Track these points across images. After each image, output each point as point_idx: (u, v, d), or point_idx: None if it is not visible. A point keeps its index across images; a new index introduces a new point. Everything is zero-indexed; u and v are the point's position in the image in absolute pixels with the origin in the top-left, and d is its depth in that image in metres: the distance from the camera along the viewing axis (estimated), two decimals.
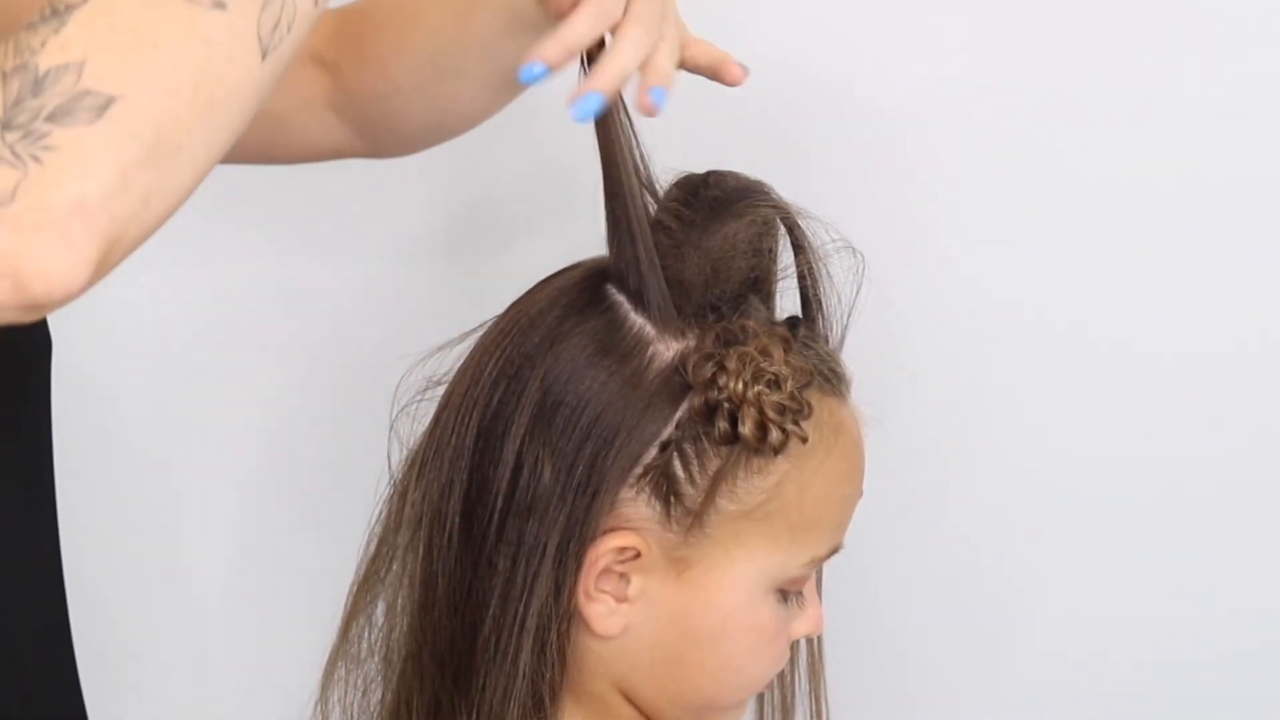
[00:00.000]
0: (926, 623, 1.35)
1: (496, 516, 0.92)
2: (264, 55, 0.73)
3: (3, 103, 0.67)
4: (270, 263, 1.34)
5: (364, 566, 1.00)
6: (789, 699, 1.07)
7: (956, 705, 1.38)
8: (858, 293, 0.99)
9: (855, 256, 0.98)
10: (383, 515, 0.99)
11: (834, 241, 0.98)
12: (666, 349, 0.92)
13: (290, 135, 1.05)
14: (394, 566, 0.99)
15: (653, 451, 0.91)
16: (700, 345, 0.92)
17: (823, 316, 0.99)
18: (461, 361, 0.96)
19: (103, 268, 0.70)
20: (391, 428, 1.00)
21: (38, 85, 0.68)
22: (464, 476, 0.93)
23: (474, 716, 0.93)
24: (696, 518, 0.92)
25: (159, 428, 1.36)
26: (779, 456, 0.92)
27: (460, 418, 0.93)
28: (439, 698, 0.95)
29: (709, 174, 0.96)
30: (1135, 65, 1.19)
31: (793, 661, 1.06)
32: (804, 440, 0.92)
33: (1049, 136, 1.21)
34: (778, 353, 0.92)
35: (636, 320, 0.92)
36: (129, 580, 1.39)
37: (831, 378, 0.96)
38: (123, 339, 1.35)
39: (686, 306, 0.93)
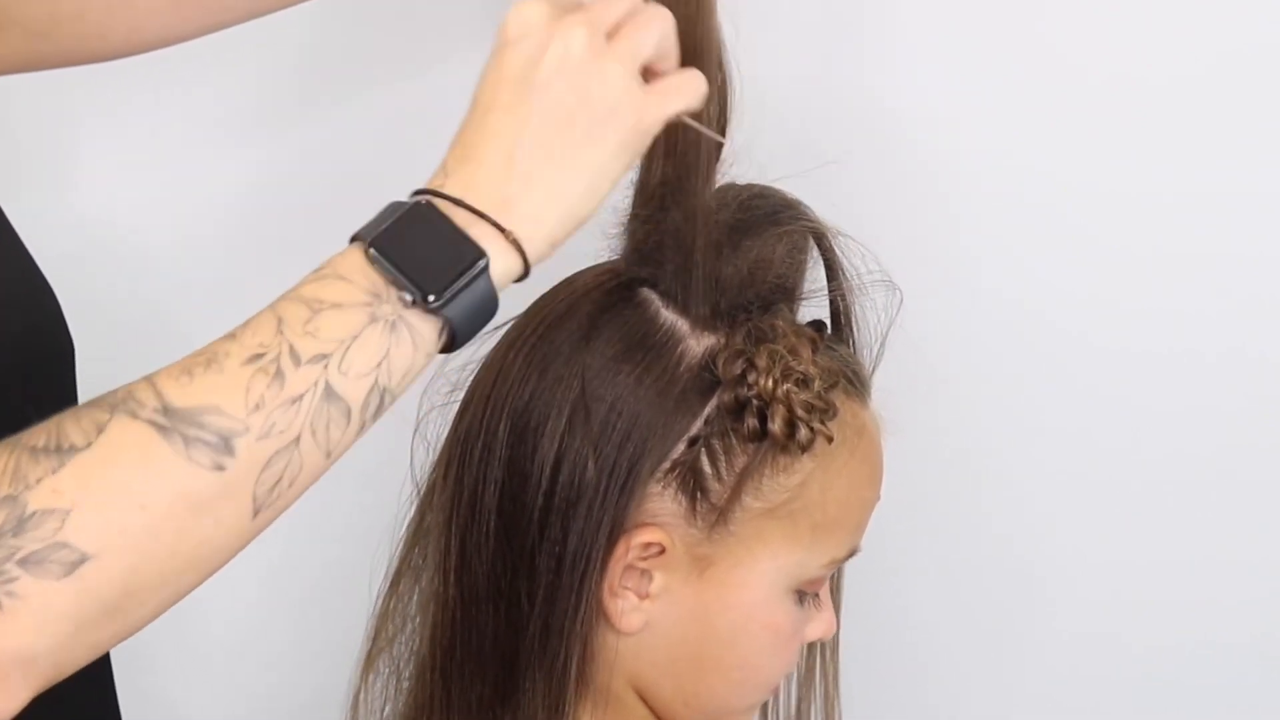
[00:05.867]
0: (940, 628, 1.36)
1: (538, 514, 0.92)
2: (256, 513, 0.73)
3: None
4: (290, 265, 1.34)
5: (394, 570, 1.00)
6: (804, 706, 1.08)
7: (971, 710, 1.40)
8: (890, 326, 1.00)
9: (892, 292, 1.00)
10: (411, 518, 0.99)
11: (872, 272, 0.99)
12: (697, 345, 0.93)
13: (117, 26, 1.06)
14: (425, 571, 0.99)
15: (680, 447, 0.92)
16: (730, 342, 0.93)
17: (853, 342, 1.01)
18: (483, 361, 0.96)
19: (39, 691, 0.71)
20: (416, 430, 0.99)
21: (21, 524, 0.68)
22: (499, 474, 0.93)
23: (517, 718, 0.94)
24: (721, 514, 0.93)
25: None
26: (805, 455, 0.93)
27: (489, 415, 0.93)
28: (474, 700, 0.96)
29: (752, 185, 0.98)
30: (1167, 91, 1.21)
31: (809, 666, 1.07)
32: (830, 439, 0.93)
33: (1069, 151, 1.22)
34: (806, 352, 0.93)
35: (668, 317, 0.94)
36: None
37: (855, 380, 0.98)
38: (142, 342, 1.33)
39: (720, 304, 0.94)
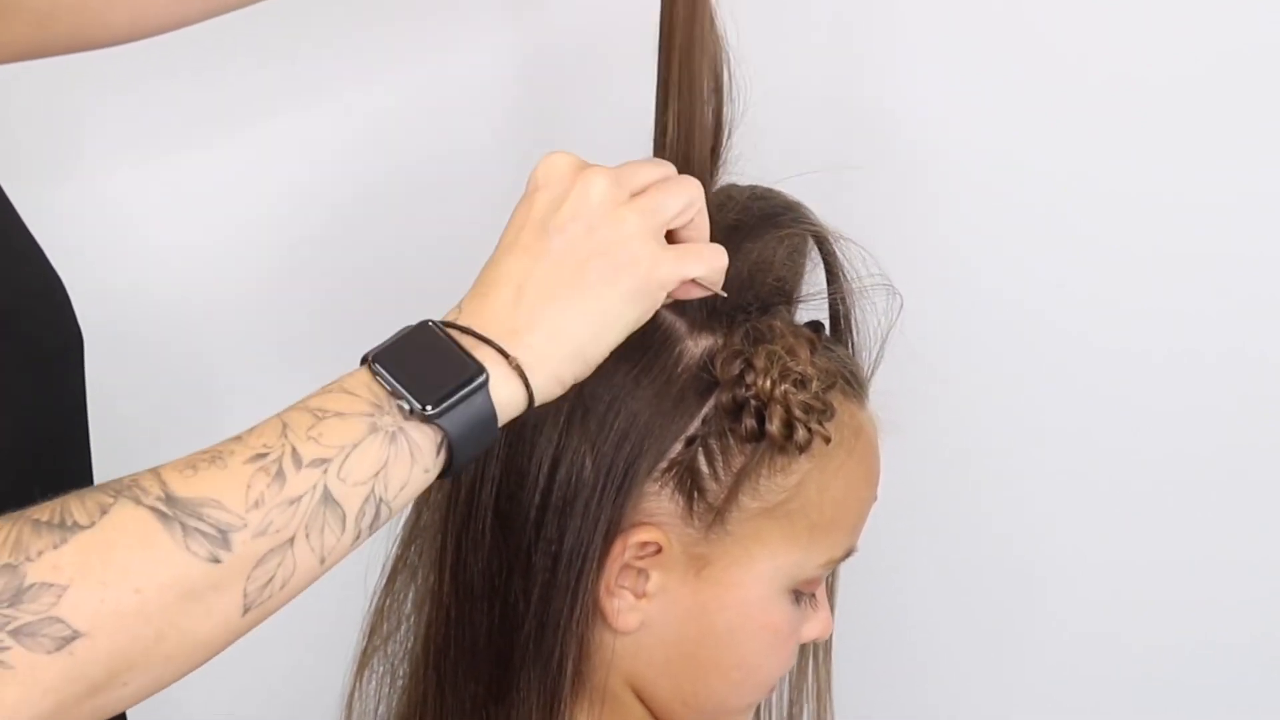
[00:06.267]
0: (938, 628, 1.36)
1: (534, 512, 0.92)
2: (246, 610, 0.74)
3: None
4: (294, 255, 1.35)
5: (389, 568, 1.00)
6: (796, 710, 1.08)
7: (969, 711, 1.40)
8: (889, 330, 1.00)
9: (892, 297, 1.00)
10: (408, 516, 0.99)
11: (873, 275, 0.99)
12: (695, 346, 0.93)
13: (119, 12, 1.06)
14: (420, 569, 0.99)
15: (678, 447, 0.92)
16: (728, 343, 0.93)
17: (852, 344, 1.01)
18: None
19: None
20: None
21: (18, 594, 0.69)
22: (496, 472, 0.93)
23: (511, 716, 0.94)
24: (718, 514, 0.93)
25: (175, 429, 1.34)
26: (802, 456, 0.93)
27: None
28: (468, 698, 0.96)
29: (754, 186, 0.98)
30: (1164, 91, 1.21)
31: (801, 668, 1.07)
32: (827, 440, 0.93)
33: (1068, 151, 1.23)
34: (804, 353, 0.93)
35: (666, 317, 0.93)
36: None
37: (852, 381, 0.98)
38: (150, 334, 1.37)
39: (719, 305, 0.94)
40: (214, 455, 0.76)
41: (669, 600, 0.94)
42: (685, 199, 0.87)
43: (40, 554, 0.71)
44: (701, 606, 0.94)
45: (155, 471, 0.75)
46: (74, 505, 0.73)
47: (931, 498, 1.30)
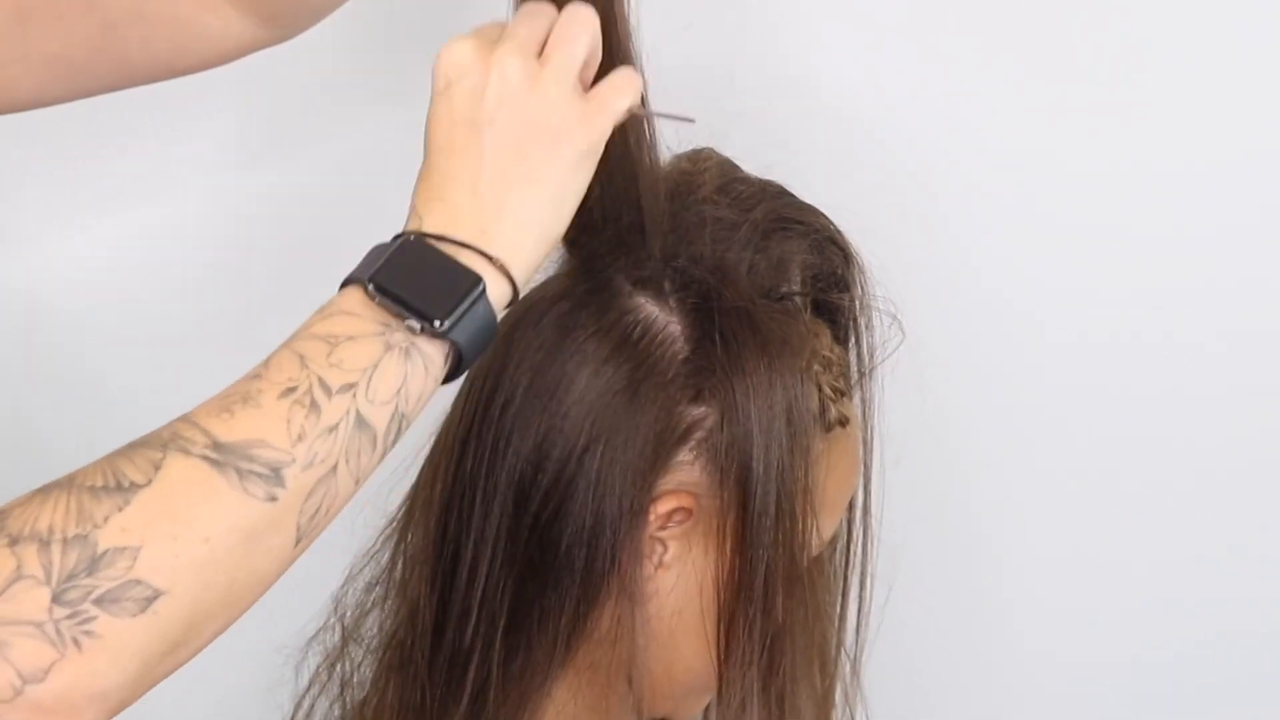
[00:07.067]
0: (934, 629, 1.36)
1: (559, 484, 0.92)
2: (297, 542, 0.76)
3: (58, 570, 0.70)
4: (289, 258, 1.31)
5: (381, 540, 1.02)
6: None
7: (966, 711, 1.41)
8: (890, 354, 1.02)
9: (895, 321, 1.02)
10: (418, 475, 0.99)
11: (881, 299, 1.01)
12: None
13: (192, 40, 1.01)
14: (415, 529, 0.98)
15: (711, 421, 0.93)
16: None
17: (857, 355, 1.02)
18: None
19: None
20: None
21: (94, 563, 0.70)
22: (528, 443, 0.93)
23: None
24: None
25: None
26: (818, 437, 0.94)
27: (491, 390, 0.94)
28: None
29: (773, 183, 0.99)
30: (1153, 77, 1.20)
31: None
32: (845, 422, 0.95)
33: (1055, 141, 1.22)
34: (826, 337, 0.95)
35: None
36: None
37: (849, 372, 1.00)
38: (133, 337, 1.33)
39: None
40: (243, 395, 0.76)
41: (684, 570, 0.95)
42: (587, 38, 0.87)
43: (107, 519, 0.71)
44: (711, 580, 0.95)
45: (190, 420, 0.76)
46: (124, 465, 0.73)
47: (928, 496, 1.30)
